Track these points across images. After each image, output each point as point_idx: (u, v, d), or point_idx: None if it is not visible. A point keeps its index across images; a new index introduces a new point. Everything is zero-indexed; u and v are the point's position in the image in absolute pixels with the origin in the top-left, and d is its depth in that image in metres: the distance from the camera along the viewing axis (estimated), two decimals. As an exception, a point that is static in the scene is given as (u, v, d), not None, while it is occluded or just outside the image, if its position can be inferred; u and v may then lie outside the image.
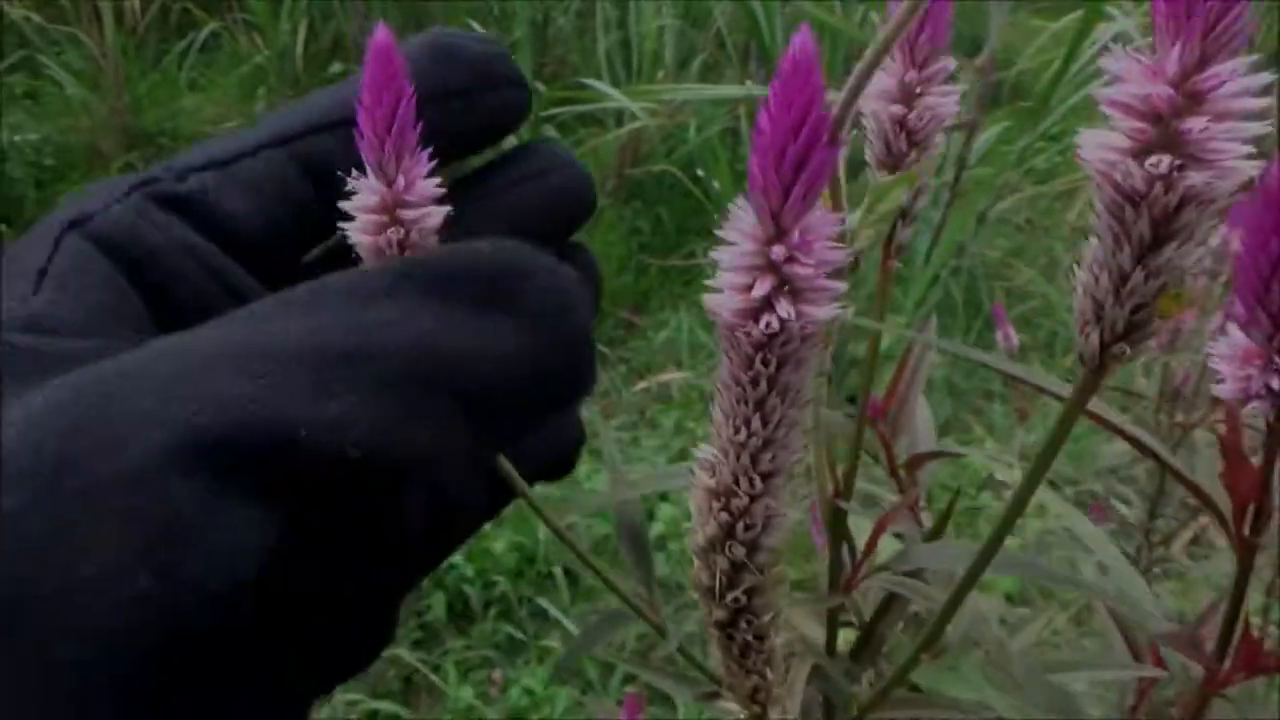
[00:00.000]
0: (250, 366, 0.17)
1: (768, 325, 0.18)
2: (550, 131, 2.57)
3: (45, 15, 2.91)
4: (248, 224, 0.24)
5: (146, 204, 0.24)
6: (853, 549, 0.24)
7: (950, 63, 0.23)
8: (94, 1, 2.80)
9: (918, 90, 0.24)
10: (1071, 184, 2.84)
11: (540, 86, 2.60)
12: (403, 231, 0.22)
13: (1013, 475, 1.84)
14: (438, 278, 0.19)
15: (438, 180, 0.22)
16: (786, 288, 0.18)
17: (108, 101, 2.71)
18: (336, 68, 2.95)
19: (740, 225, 0.19)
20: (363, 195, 0.22)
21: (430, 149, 0.22)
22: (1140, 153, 0.17)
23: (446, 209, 0.22)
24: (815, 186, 0.18)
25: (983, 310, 2.30)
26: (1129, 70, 0.17)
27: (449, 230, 0.23)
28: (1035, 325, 2.30)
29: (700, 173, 2.50)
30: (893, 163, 0.25)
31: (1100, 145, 0.18)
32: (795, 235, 0.18)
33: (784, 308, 0.18)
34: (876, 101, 0.24)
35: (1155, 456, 0.26)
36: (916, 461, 0.34)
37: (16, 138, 2.57)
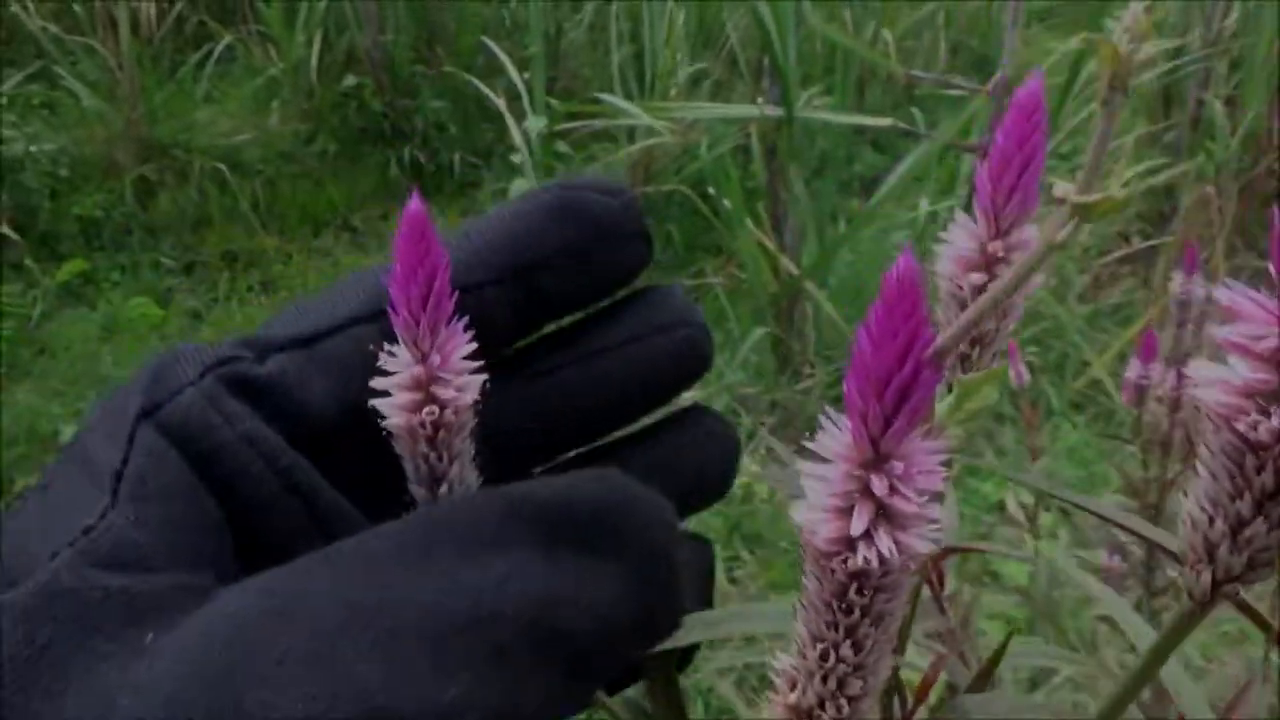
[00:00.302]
0: (375, 648, 0.17)
1: (866, 561, 0.17)
2: (562, 147, 2.58)
3: (62, 26, 2.93)
4: (322, 411, 0.23)
5: (219, 390, 0.23)
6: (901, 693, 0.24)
7: (1034, 232, 0.22)
8: (110, 12, 2.82)
9: (1000, 256, 0.22)
10: (1082, 203, 2.83)
11: (553, 102, 2.61)
12: (437, 411, 0.22)
13: (1022, 500, 1.82)
14: (544, 519, 0.19)
15: (473, 351, 0.22)
16: (886, 519, 0.17)
17: (123, 113, 2.73)
18: (350, 80, 2.96)
19: (836, 446, 0.18)
20: (397, 372, 0.22)
21: (512, 319, 0.23)
22: (1266, 400, 0.16)
23: (482, 379, 0.22)
24: (918, 414, 0.17)
25: (993, 331, 2.29)
26: (1246, 307, 0.17)
27: (570, 390, 0.24)
28: (1047, 347, 2.30)
29: (711, 191, 2.51)
30: (975, 339, 0.23)
31: (1220, 388, 0.17)
32: (897, 464, 0.17)
33: (884, 541, 0.17)
34: (956, 267, 0.22)
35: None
36: (945, 554, 0.35)
37: (32, 148, 2.59)
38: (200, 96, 3.02)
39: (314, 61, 2.92)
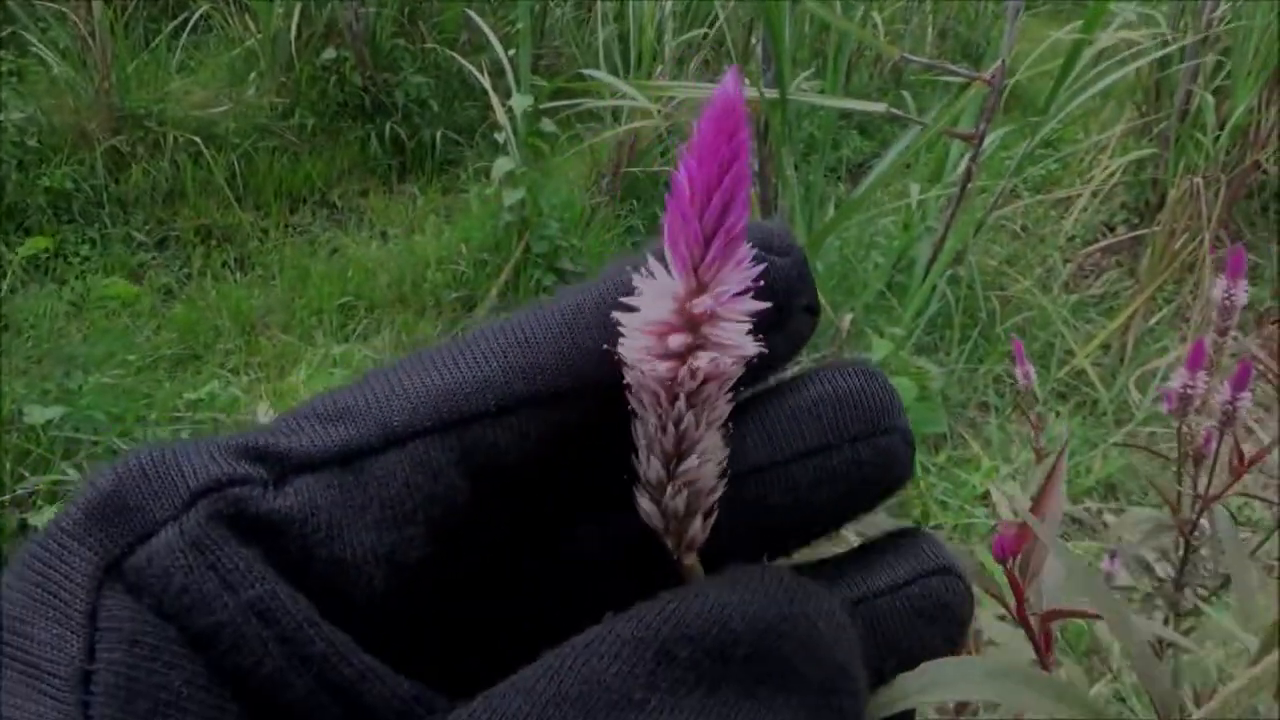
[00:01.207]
0: None
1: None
2: (548, 125, 2.53)
3: (31, -10, 2.84)
4: (365, 568, 0.17)
5: (215, 531, 0.16)
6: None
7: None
8: (82, -22, 2.74)
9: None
10: (1068, 192, 2.83)
11: (538, 80, 2.56)
12: (708, 360, 0.18)
13: (1010, 489, 1.82)
14: (702, 659, 0.16)
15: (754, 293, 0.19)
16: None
17: (94, 82, 2.65)
18: (330, 53, 2.90)
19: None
20: (661, 302, 0.18)
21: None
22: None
23: (758, 348, 0.18)
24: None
25: (978, 320, 2.29)
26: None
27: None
28: (1031, 336, 2.29)
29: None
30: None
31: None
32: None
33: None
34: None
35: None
36: (1053, 616, 0.32)
37: (0, 117, 2.51)
38: (174, 67, 2.94)
39: (293, 33, 2.85)
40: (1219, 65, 2.51)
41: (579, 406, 0.19)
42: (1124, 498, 1.85)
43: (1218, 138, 2.39)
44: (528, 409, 0.19)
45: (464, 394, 0.18)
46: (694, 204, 0.18)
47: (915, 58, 1.66)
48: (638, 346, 0.18)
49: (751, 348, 0.18)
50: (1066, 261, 2.61)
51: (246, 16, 3.00)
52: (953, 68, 1.81)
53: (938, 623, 0.21)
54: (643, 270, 0.19)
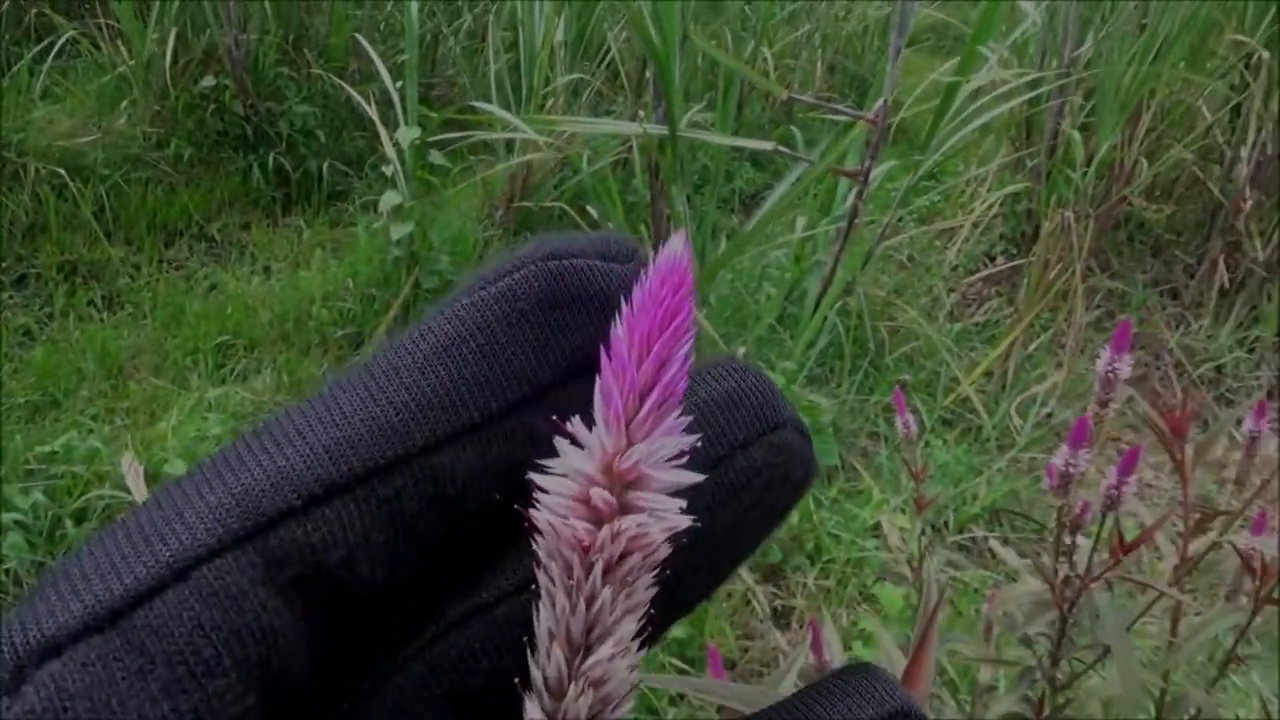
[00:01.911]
0: None
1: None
2: (438, 157, 2.49)
3: (-125, 10, 2.65)
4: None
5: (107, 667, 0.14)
6: None
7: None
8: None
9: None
10: (950, 224, 2.93)
11: (428, 112, 2.51)
12: (620, 528, 0.16)
13: (898, 522, 1.84)
14: None
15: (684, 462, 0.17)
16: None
17: (-53, 109, 2.49)
18: (209, 81, 2.78)
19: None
20: (576, 454, 0.16)
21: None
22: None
23: (689, 520, 0.16)
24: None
25: (868, 350, 2.33)
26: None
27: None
28: (918, 365, 2.35)
29: (589, 209, 2.47)
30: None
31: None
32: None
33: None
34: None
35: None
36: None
37: None
38: (38, 94, 2.78)
39: (168, 59, 2.73)
40: (1085, 104, 2.64)
41: (413, 477, 0.16)
42: (1007, 524, 1.90)
43: (1085, 173, 2.51)
44: (342, 495, 0.16)
45: (258, 492, 0.15)
46: (633, 355, 0.17)
47: (802, 98, 1.70)
48: (553, 503, 0.16)
49: (683, 521, 0.16)
50: (950, 291, 2.70)
51: (118, 42, 2.86)
52: (839, 108, 1.85)
53: None
54: (571, 424, 0.17)
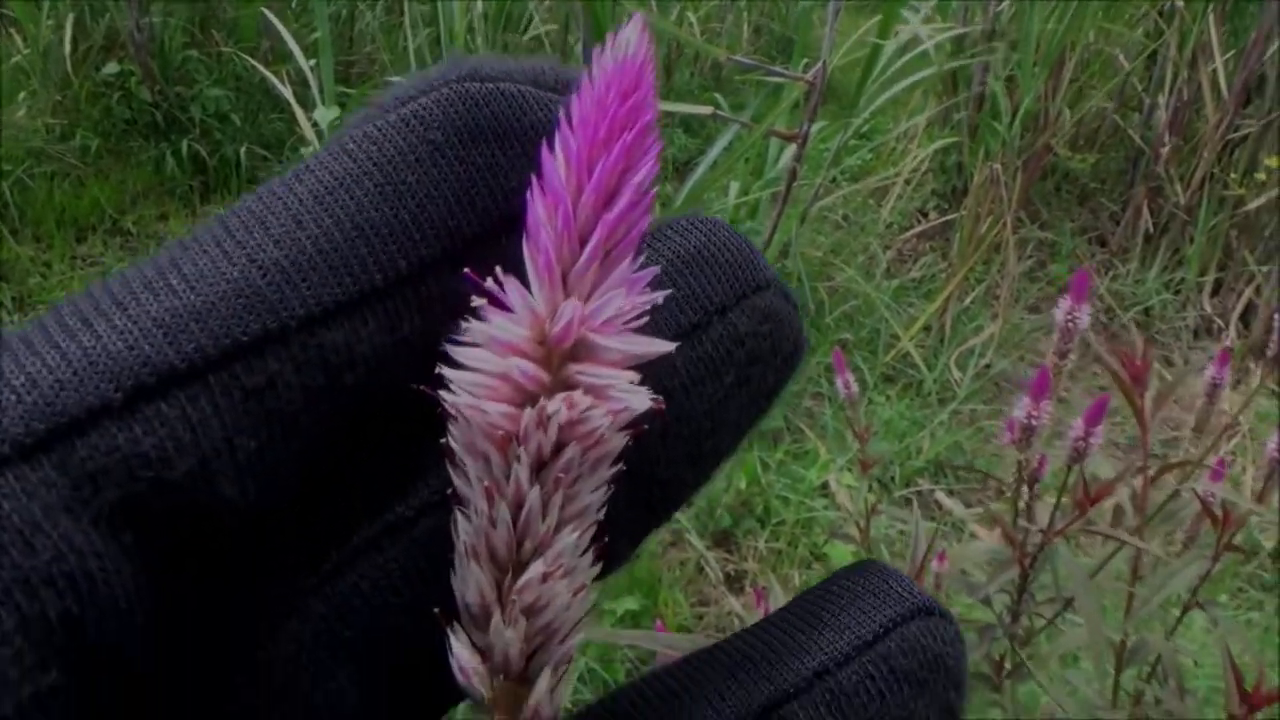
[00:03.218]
0: None
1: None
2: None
3: None
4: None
5: None
6: None
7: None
8: None
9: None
10: (882, 180, 2.95)
11: (346, 90, 2.43)
12: (568, 409, 0.12)
13: (844, 481, 1.86)
14: None
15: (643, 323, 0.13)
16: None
17: None
18: (112, 67, 2.66)
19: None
20: (494, 322, 0.13)
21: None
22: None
23: (647, 402, 0.13)
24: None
25: (807, 311, 2.34)
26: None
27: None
28: (858, 324, 2.36)
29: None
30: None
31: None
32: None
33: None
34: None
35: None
36: None
37: None
38: (-73, 87, 2.63)
39: (67, 47, 2.59)
40: (1008, 57, 2.66)
41: (292, 360, 0.12)
42: (951, 476, 1.92)
43: (1011, 124, 2.54)
44: (187, 386, 0.12)
45: (52, 385, 0.11)
46: (570, 184, 0.12)
47: (740, 59, 1.67)
48: (467, 381, 0.12)
49: (636, 402, 0.13)
50: (886, 248, 2.71)
51: (12, 31, 2.71)
52: (777, 70, 1.83)
53: (928, 687, 0.15)
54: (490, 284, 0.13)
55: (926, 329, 2.35)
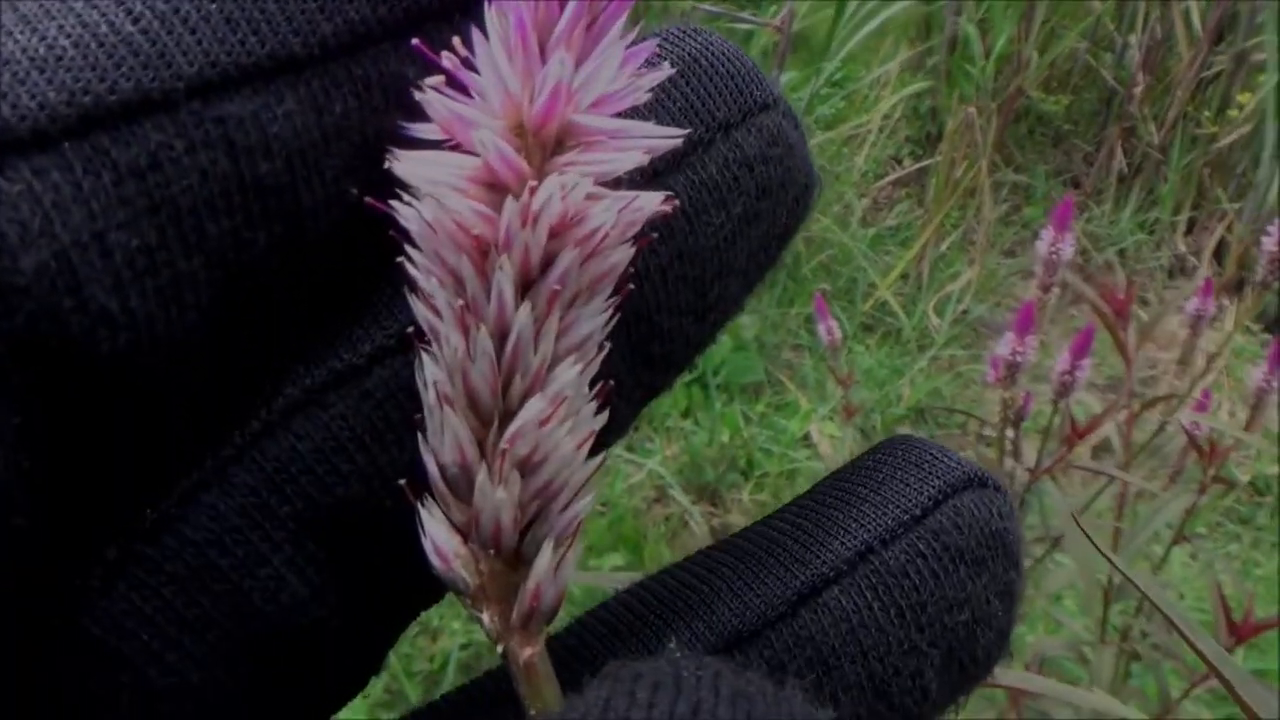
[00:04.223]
0: None
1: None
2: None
3: None
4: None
5: None
6: None
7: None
8: None
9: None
10: (856, 128, 2.92)
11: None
12: (561, 199, 0.10)
13: (827, 431, 1.86)
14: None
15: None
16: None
17: None
18: None
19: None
20: (455, 104, 0.10)
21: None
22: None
23: (655, 200, 0.10)
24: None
25: (784, 262, 2.33)
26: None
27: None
28: (835, 274, 2.35)
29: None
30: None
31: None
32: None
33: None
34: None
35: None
36: None
37: None
38: None
39: None
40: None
41: (182, 137, 0.09)
42: (933, 421, 1.93)
43: (984, 67, 2.52)
44: (33, 154, 0.09)
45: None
46: None
47: (707, 6, 1.64)
48: (425, 176, 0.10)
49: (649, 200, 0.10)
50: (861, 196, 2.70)
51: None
52: (745, 16, 1.80)
53: (986, 566, 0.12)
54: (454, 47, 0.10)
55: (904, 277, 2.35)
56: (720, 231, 0.13)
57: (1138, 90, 2.54)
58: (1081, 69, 2.78)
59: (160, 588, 0.10)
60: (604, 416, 0.11)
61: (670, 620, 0.12)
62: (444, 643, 1.30)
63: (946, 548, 0.12)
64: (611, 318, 0.10)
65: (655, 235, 0.11)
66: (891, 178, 2.75)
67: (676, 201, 0.11)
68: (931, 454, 0.13)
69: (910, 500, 0.13)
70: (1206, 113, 2.48)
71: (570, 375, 0.10)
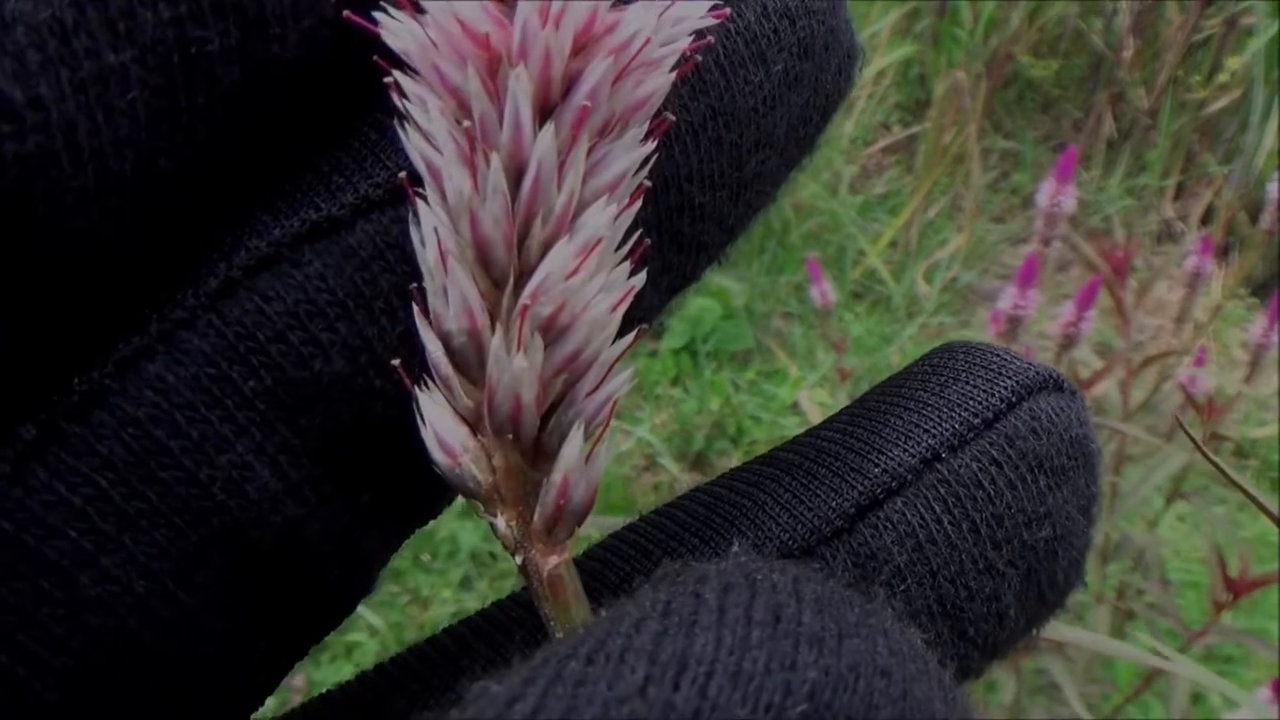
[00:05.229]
0: None
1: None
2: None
3: None
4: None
5: None
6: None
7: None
8: None
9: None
10: (849, 96, 2.90)
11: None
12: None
13: (816, 398, 1.86)
14: None
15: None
16: None
17: None
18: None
19: None
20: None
21: None
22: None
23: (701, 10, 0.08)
24: None
25: (773, 230, 2.31)
26: None
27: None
28: (824, 241, 2.34)
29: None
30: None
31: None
32: None
33: None
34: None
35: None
36: None
37: None
38: None
39: None
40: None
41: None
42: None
43: (973, 32, 2.49)
44: None
45: None
46: None
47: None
48: None
49: (696, 8, 0.08)
50: (850, 163, 2.68)
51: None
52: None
53: (1068, 477, 0.11)
54: None
55: (893, 244, 2.34)
56: (759, 91, 0.11)
57: (1127, 54, 2.53)
58: (1071, 33, 2.76)
59: (93, 474, 0.09)
60: (642, 276, 0.09)
61: (709, 538, 0.10)
62: (435, 611, 1.30)
63: (1024, 455, 0.11)
64: (650, 156, 0.09)
65: (698, 60, 0.09)
66: (880, 144, 2.73)
67: (726, 10, 0.09)
68: (998, 355, 0.12)
69: (980, 403, 0.11)
70: (1196, 77, 2.47)
71: (602, 219, 0.08)
